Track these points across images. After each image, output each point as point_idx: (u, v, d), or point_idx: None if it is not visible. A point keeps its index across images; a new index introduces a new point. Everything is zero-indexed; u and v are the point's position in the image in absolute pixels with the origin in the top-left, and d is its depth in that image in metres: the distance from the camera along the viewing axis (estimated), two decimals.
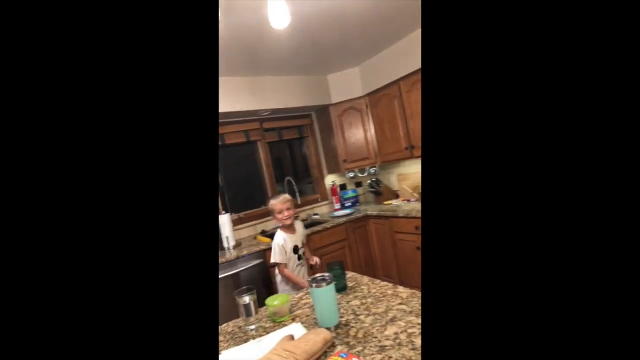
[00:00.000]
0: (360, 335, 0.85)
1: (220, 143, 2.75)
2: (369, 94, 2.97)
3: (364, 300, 1.05)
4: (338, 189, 3.28)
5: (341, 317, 0.96)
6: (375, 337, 0.83)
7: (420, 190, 2.75)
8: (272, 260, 1.78)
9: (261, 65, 2.46)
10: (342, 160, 3.10)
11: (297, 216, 2.86)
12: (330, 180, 3.33)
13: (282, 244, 1.78)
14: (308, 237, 1.96)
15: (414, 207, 2.56)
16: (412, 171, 2.95)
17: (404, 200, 2.94)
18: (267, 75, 2.71)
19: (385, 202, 3.00)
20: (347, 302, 1.07)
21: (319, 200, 3.28)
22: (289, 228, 1.86)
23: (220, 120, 2.75)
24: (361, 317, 0.95)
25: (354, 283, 1.22)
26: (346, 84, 3.05)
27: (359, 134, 3.05)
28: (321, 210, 3.26)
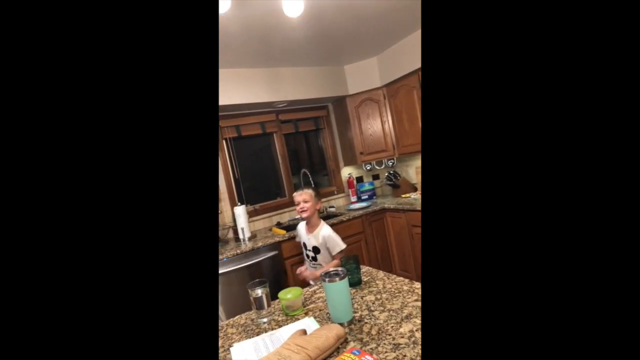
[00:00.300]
0: (374, 332, 0.83)
1: (236, 135, 2.76)
2: (387, 85, 2.89)
3: (378, 296, 1.02)
4: (355, 182, 3.23)
5: (355, 312, 0.94)
6: (390, 335, 0.80)
7: None
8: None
9: (277, 56, 2.43)
10: (359, 152, 3.05)
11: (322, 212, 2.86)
12: (346, 172, 3.29)
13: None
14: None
15: None
16: None
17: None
18: (283, 66, 2.68)
19: (403, 195, 2.93)
20: (362, 297, 1.04)
21: (335, 192, 3.25)
22: (309, 224, 1.84)
23: (236, 112, 2.75)
24: (375, 313, 0.92)
25: (368, 278, 1.19)
26: (363, 75, 2.97)
27: (377, 125, 2.99)
28: (337, 203, 3.24)
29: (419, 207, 2.44)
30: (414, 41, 2.53)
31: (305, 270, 1.83)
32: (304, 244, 1.87)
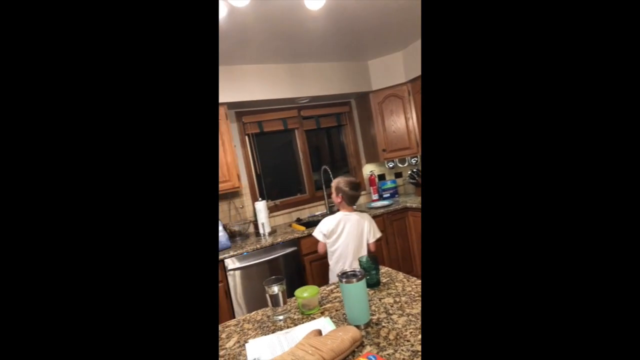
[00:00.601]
0: (391, 336, 0.80)
1: (258, 130, 2.78)
2: (412, 80, 2.80)
3: (397, 299, 0.99)
4: (376, 179, 3.18)
5: (372, 314, 0.91)
6: (408, 341, 0.76)
7: None
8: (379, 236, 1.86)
9: (299, 52, 2.41)
10: (382, 149, 2.98)
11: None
12: (368, 170, 3.24)
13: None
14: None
15: None
16: None
17: None
18: (305, 62, 2.66)
19: None
20: (380, 299, 1.01)
21: None
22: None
23: (258, 108, 2.77)
24: (394, 317, 0.89)
25: (387, 279, 1.16)
26: (388, 70, 2.90)
27: (400, 122, 2.91)
28: (358, 200, 3.19)
29: None
30: None
31: None
32: None
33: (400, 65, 2.86)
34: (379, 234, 1.86)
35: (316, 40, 2.25)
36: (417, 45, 2.67)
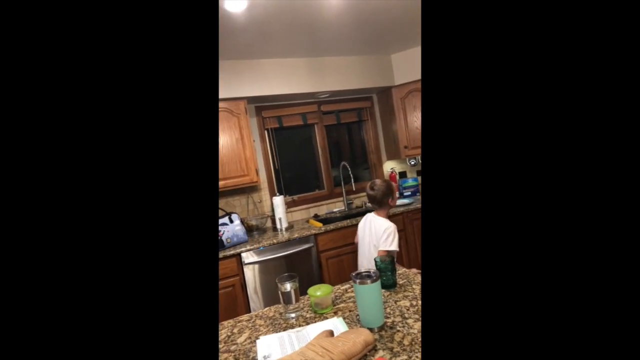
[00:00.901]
0: (406, 342, 0.76)
1: (277, 125, 2.78)
2: None
3: (414, 302, 0.95)
4: (397, 177, 3.10)
5: (387, 317, 0.88)
6: None
7: None
8: (393, 248, 1.63)
9: (320, 45, 2.37)
10: (404, 146, 2.90)
11: (361, 206, 2.77)
12: (389, 167, 3.16)
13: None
14: None
15: None
16: None
17: None
18: (326, 55, 2.62)
19: None
20: (396, 301, 0.97)
21: None
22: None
23: (278, 103, 2.76)
24: (409, 321, 0.85)
25: (404, 281, 1.11)
26: (411, 64, 2.81)
27: None
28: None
29: None
30: None
31: None
32: None
33: None
34: (390, 247, 1.63)
35: (337, 33, 2.20)
36: None
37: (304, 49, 2.39)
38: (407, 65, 2.83)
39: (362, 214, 2.51)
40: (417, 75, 2.79)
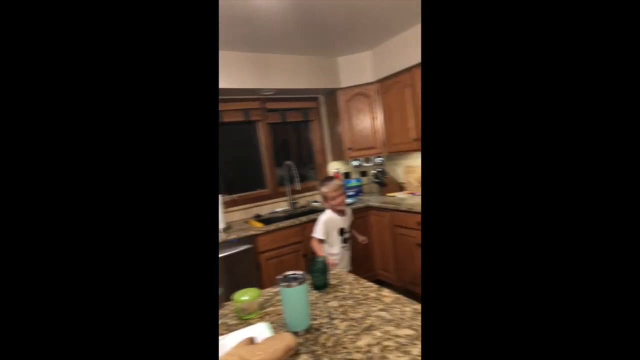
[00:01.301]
0: (330, 343, 0.75)
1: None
2: (380, 81, 2.80)
3: (343, 302, 0.95)
4: (342, 177, 3.15)
5: (314, 319, 0.86)
6: (346, 348, 0.72)
7: None
8: (313, 234, 1.84)
9: (264, 41, 2.31)
10: (348, 147, 2.96)
11: (305, 206, 2.76)
12: (334, 167, 3.20)
13: (324, 221, 1.83)
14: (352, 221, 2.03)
15: (419, 201, 2.43)
16: (420, 164, 2.79)
17: (409, 193, 2.80)
18: (271, 52, 2.56)
19: (389, 194, 2.87)
20: (325, 302, 0.96)
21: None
22: (340, 211, 1.88)
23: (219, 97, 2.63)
24: (336, 321, 0.84)
25: (338, 281, 1.11)
26: (357, 68, 2.87)
27: (367, 121, 2.90)
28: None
29: (403, 207, 2.38)
30: (409, 38, 2.43)
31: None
32: (342, 229, 1.88)
33: (369, 64, 2.84)
34: (314, 234, 1.85)
35: (281, 30, 2.16)
36: (386, 45, 2.66)
37: (245, 43, 2.30)
38: (353, 69, 2.88)
39: (307, 213, 2.51)
40: (361, 79, 2.86)
